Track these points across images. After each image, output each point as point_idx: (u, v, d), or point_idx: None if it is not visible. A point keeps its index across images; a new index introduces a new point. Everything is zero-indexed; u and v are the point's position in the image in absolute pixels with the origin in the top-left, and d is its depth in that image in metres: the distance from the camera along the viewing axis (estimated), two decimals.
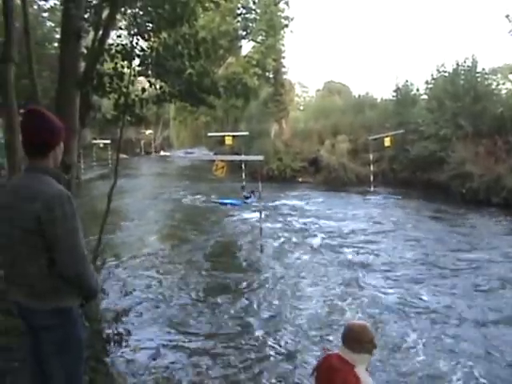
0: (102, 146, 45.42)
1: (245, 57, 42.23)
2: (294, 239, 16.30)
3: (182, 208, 23.61)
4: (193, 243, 15.92)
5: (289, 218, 20.17)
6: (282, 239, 16.30)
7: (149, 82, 9.18)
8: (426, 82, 30.92)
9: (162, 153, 66.57)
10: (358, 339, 3.67)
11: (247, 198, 23.55)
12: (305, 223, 18.99)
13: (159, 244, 16.29)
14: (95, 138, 47.04)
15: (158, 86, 9.27)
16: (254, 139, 36.08)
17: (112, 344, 7.60)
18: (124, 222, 19.62)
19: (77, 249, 3.10)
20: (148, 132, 68.34)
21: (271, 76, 40.18)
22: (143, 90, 9.17)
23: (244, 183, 23.80)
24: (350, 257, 14.06)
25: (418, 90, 32.88)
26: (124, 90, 8.83)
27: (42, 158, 3.23)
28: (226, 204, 23.46)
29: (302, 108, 55.24)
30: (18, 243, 3.15)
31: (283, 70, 40.24)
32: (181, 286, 11.83)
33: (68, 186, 9.34)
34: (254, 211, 19.43)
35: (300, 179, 33.42)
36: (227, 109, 42.95)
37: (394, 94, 33.83)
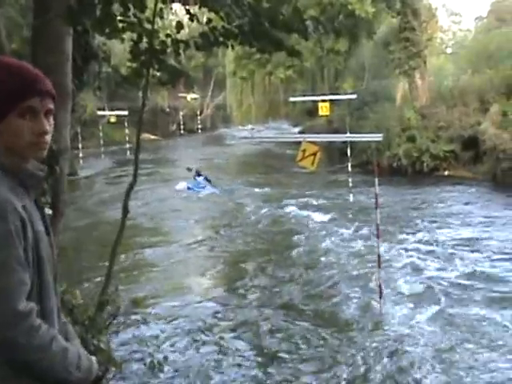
0: (113, 120, 33.92)
1: None
2: (443, 286, 10.50)
3: (247, 224, 16.61)
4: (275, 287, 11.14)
5: (428, 247, 13.32)
6: (417, 283, 10.88)
7: (188, 12, 6.67)
8: None
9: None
10: None
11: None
12: (466, 262, 12.01)
13: (211, 285, 11.77)
14: (102, 108, 36.38)
15: (203, 19, 6.73)
16: (367, 106, 26.88)
17: None
18: (153, 251, 13.85)
19: (2, 296, 2.12)
20: (190, 97, 48.84)
21: None
22: (179, 25, 6.49)
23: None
24: None
25: None
26: (147, 25, 6.37)
27: None
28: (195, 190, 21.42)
29: (449, 51, 43.70)
30: None
31: None
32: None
33: (56, 186, 6.37)
34: (363, 226, 14.73)
35: (446, 172, 23.53)
36: (321, 56, 33.70)
37: None
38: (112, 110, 35.43)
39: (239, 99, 43.60)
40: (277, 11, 6.37)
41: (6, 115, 2.21)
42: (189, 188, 22.00)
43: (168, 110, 49.43)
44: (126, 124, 31.69)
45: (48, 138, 2.19)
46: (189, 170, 23.04)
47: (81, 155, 29.16)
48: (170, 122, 49.72)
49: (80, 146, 29.62)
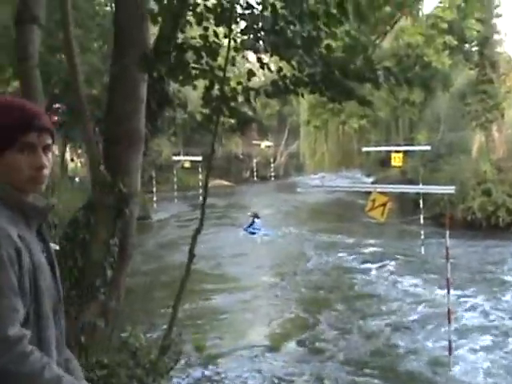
0: (187, 165, 34.54)
1: (428, 17, 31.64)
2: None
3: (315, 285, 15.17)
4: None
5: (500, 304, 12.65)
6: None
7: (259, 60, 6.65)
8: None
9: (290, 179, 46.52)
10: None
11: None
12: None
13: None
14: (177, 154, 36.54)
15: (274, 68, 6.75)
16: (442, 158, 26.61)
17: None
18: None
19: None
20: (265, 145, 49.81)
21: (474, 50, 30.34)
22: (250, 73, 6.62)
23: None
24: None
25: None
26: (219, 73, 6.48)
27: None
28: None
29: None
30: None
31: (496, 38, 28.23)
32: None
33: (125, 229, 6.44)
34: (433, 279, 14.13)
35: None
36: (396, 107, 32.94)
37: None
38: (187, 155, 35.25)
39: (313, 148, 43.39)
40: (348, 61, 6.36)
41: (4, 150, 2.23)
42: (245, 229, 22.32)
43: (242, 156, 49.09)
44: (199, 169, 31.16)
45: (46, 172, 2.20)
46: (253, 216, 23.18)
47: (155, 199, 29.41)
48: (243, 169, 49.07)
49: (154, 189, 29.95)
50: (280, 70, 6.53)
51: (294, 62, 6.44)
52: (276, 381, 8.87)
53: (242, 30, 6.51)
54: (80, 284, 6.78)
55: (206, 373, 8.72)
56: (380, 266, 16.39)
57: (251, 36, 6.39)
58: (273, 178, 46.06)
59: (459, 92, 30.04)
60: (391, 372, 9.27)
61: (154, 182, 30.50)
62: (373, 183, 29.85)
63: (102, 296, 6.71)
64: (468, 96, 28.02)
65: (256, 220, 22.78)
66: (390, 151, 23.25)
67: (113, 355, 6.27)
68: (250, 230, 22.29)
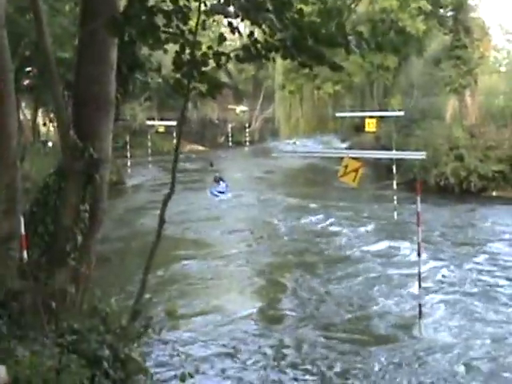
0: (161, 130, 34.38)
1: None
2: None
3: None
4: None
5: (470, 265, 12.96)
6: None
7: (229, 24, 6.55)
8: None
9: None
10: None
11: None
12: None
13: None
14: (152, 119, 36.94)
15: (245, 32, 6.42)
16: (415, 123, 26.47)
17: None
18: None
19: None
20: (240, 110, 49.41)
21: (448, 15, 30.34)
22: (221, 37, 6.46)
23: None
24: None
25: None
26: (189, 37, 6.32)
27: None
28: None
29: (502, 69, 41.16)
30: None
31: (470, 3, 28.49)
32: None
33: (96, 194, 6.41)
34: (404, 243, 14.46)
35: (494, 193, 22.94)
36: (370, 72, 32.65)
37: None
38: (161, 120, 35.44)
39: (288, 113, 42.42)
40: (319, 25, 6.30)
41: None
42: (211, 192, 23.19)
43: (217, 121, 48.83)
44: (174, 134, 30.59)
45: None
46: (211, 165, 24.58)
47: (129, 164, 29.53)
48: (218, 134, 49.17)
49: (129, 154, 30.03)
50: (251, 34, 6.46)
51: (264, 27, 6.38)
52: (249, 345, 8.97)
53: None
54: (50, 250, 6.78)
55: (175, 336, 8.81)
56: (351, 231, 16.52)
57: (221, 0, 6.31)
58: (248, 143, 45.87)
59: (433, 57, 30.13)
60: (363, 334, 9.41)
61: (129, 147, 30.52)
62: (347, 148, 30.15)
63: (73, 262, 6.71)
64: (442, 61, 28.12)
65: (221, 183, 23.60)
66: (363, 117, 23.31)
67: (83, 321, 6.28)
68: (215, 192, 23.06)
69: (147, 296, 6.96)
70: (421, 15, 29.83)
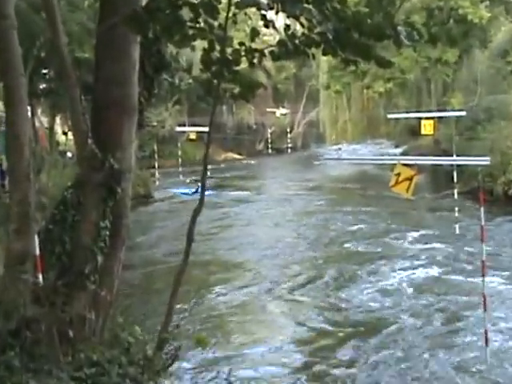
0: (193, 137, 33.62)
1: None
2: None
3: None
4: None
5: None
6: None
7: (263, 17, 6.22)
8: None
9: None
10: None
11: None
12: None
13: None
14: (182, 124, 36.62)
15: (281, 26, 6.51)
16: (479, 125, 26.06)
17: None
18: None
19: None
20: (280, 113, 49.16)
21: None
22: (254, 32, 6.34)
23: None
24: None
25: None
26: (219, 32, 6.28)
27: None
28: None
29: None
30: None
31: None
32: None
33: (118, 209, 6.35)
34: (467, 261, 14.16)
35: None
36: (426, 68, 32.76)
37: None
38: (193, 126, 34.85)
39: (334, 115, 42.90)
40: (364, 16, 6.18)
41: None
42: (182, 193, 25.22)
43: (255, 126, 48.65)
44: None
45: None
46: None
47: (157, 175, 29.40)
48: (256, 140, 49.04)
49: (156, 165, 29.94)
50: (287, 28, 6.38)
51: (303, 19, 6.30)
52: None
53: None
54: (68, 272, 6.75)
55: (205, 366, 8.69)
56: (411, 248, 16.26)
57: None
58: (289, 150, 46.09)
59: (499, 49, 29.89)
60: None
61: (157, 157, 30.57)
62: (402, 154, 29.69)
63: (93, 285, 6.64)
64: (510, 53, 28.16)
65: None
66: (419, 118, 23.03)
67: (103, 351, 6.22)
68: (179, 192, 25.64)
69: (174, 323, 6.88)
70: (485, 1, 29.51)
